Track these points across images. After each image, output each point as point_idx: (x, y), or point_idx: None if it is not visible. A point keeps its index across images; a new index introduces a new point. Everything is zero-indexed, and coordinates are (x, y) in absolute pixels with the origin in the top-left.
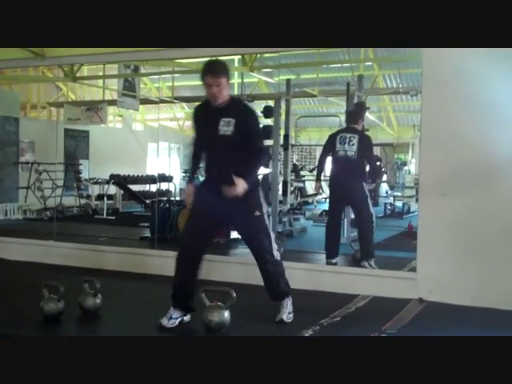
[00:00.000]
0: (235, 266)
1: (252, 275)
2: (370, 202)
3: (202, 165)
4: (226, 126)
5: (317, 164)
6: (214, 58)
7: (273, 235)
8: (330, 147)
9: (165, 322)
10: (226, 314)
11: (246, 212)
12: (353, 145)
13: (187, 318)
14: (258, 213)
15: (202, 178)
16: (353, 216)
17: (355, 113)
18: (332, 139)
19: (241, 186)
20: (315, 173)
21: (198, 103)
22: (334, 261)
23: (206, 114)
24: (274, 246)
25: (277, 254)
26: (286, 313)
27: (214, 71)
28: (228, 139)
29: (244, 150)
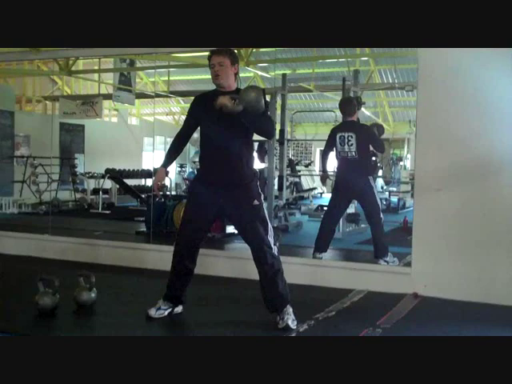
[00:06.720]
0: (230, 261)
1: (246, 269)
2: (376, 195)
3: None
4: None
5: (320, 158)
6: None
7: (271, 228)
8: (331, 144)
9: (152, 312)
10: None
11: (245, 200)
12: (351, 145)
13: (179, 309)
14: (256, 202)
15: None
16: (349, 211)
17: (349, 105)
18: (333, 136)
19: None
20: (311, 168)
21: (193, 97)
22: (321, 255)
23: (213, 99)
24: (272, 239)
25: (275, 248)
26: (291, 319)
27: (217, 51)
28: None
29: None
